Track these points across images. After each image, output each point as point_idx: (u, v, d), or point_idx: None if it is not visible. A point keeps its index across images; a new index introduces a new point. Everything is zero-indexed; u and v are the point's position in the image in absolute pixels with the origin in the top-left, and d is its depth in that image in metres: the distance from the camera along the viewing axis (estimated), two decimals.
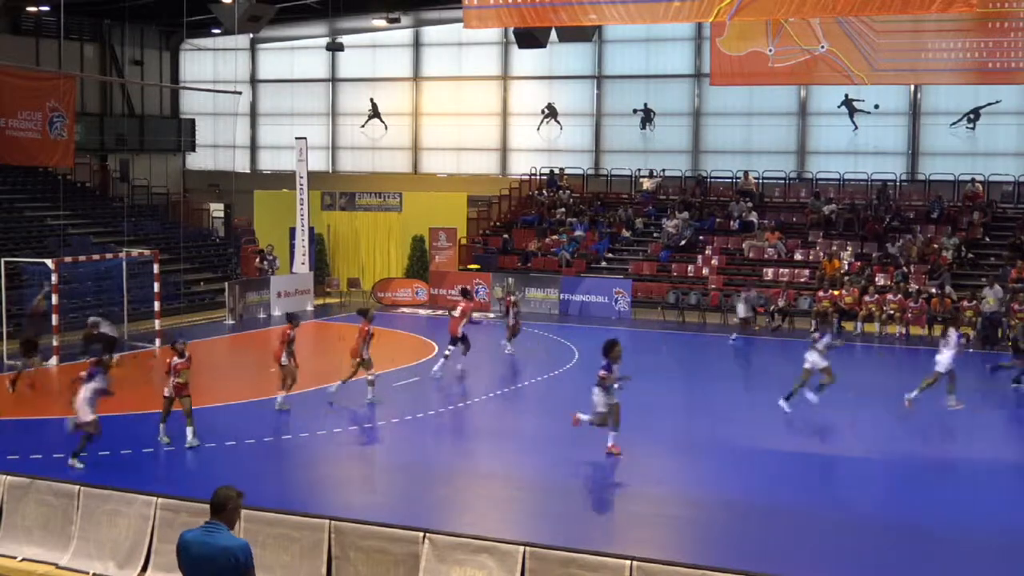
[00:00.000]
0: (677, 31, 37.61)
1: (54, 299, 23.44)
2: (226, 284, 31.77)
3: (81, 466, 14.92)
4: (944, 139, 35.28)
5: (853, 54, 29.96)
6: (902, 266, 30.64)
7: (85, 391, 15.10)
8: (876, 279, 30.45)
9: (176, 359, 16.27)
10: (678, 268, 33.32)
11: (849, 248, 32.06)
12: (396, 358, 23.65)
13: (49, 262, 24.01)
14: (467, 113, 41.11)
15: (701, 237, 34.19)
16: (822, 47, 30.25)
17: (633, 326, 30.02)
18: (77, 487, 11.89)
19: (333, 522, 10.72)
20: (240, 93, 36.70)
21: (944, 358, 19.07)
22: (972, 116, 34.48)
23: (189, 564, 7.16)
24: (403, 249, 37.51)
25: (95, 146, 40.35)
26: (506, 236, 36.23)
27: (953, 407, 19.00)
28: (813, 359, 19.02)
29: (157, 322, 26.59)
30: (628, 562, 9.66)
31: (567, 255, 34.30)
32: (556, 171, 38.76)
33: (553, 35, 30.73)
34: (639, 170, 38.10)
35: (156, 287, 26.74)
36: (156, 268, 26.82)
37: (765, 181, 36.33)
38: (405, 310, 33.27)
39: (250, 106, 44.17)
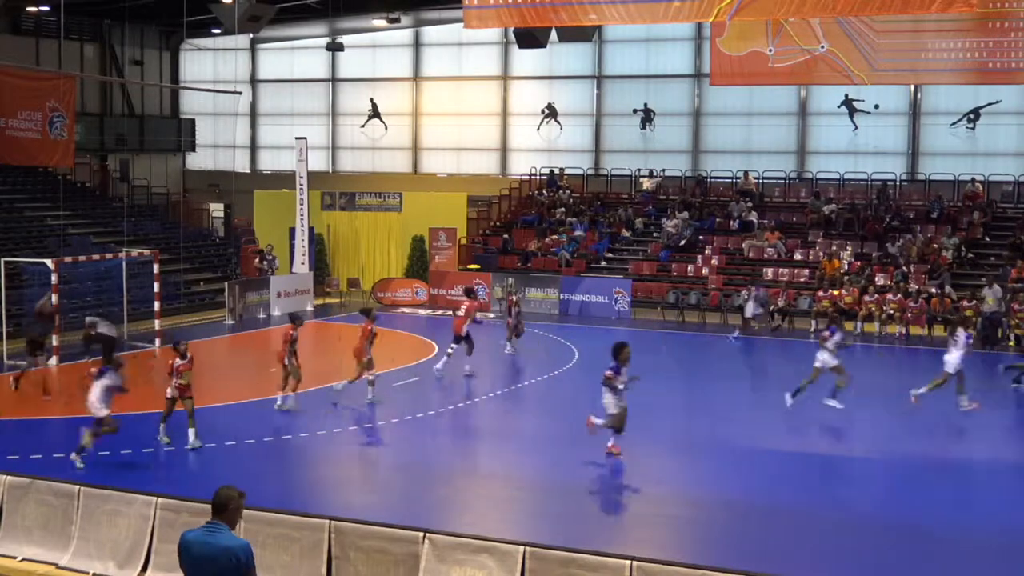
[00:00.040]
0: (677, 31, 37.62)
1: (54, 299, 23.44)
2: (226, 284, 31.78)
3: (81, 466, 14.96)
4: (944, 139, 35.29)
5: (853, 54, 29.96)
6: (902, 266, 30.65)
7: (97, 388, 15.20)
8: (876, 279, 30.46)
9: (178, 360, 16.27)
10: (678, 268, 33.33)
11: (849, 248, 32.06)
12: (396, 358, 23.65)
13: (49, 262, 24.00)
14: (467, 113, 41.11)
15: (701, 237, 34.20)
16: (822, 47, 30.25)
17: (633, 326, 30.02)
18: (77, 487, 11.89)
19: (333, 522, 10.72)
20: (240, 93, 36.70)
21: (953, 358, 19.00)
22: (972, 116, 34.50)
23: (190, 564, 7.17)
24: (403, 249, 37.52)
25: (95, 146, 40.35)
26: (506, 236, 36.23)
27: (966, 408, 18.95)
28: (823, 358, 18.94)
29: (157, 322, 26.60)
30: (628, 562, 9.66)
31: (567, 255, 34.30)
32: (556, 171, 38.77)
33: (553, 35, 30.72)
34: (639, 170, 38.10)
35: (156, 287, 26.74)
36: (156, 268, 26.82)
37: (765, 181, 36.33)
38: (405, 310, 33.27)
39: (250, 106, 44.18)
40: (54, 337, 23.31)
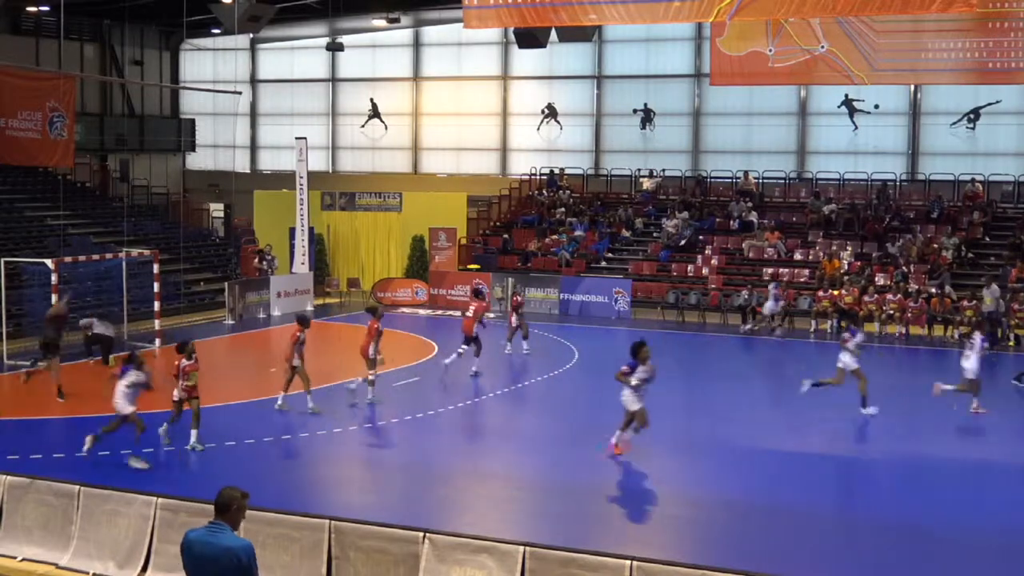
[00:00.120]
0: (677, 31, 37.62)
1: (53, 299, 23.42)
2: (226, 284, 31.77)
3: (145, 465, 15.19)
4: (944, 139, 35.30)
5: (853, 54, 29.96)
6: (902, 266, 30.65)
7: (120, 386, 15.34)
8: (876, 279, 30.46)
9: (184, 361, 16.24)
10: (678, 268, 33.33)
11: (849, 248, 32.07)
12: (396, 358, 23.64)
13: (49, 262, 24.00)
14: (467, 113, 41.12)
15: (701, 237, 34.20)
16: (822, 47, 30.26)
17: (633, 326, 29.99)
18: (77, 487, 11.88)
19: (333, 522, 10.72)
20: (240, 93, 36.68)
21: (971, 364, 18.96)
22: (972, 116, 34.51)
23: (192, 563, 7.18)
24: (403, 249, 37.51)
25: (95, 146, 40.35)
26: (506, 236, 36.24)
27: (975, 411, 19.01)
28: (845, 360, 18.82)
29: (157, 322, 26.59)
30: (628, 562, 9.66)
31: (567, 255, 34.30)
32: (556, 171, 38.77)
33: (553, 35, 30.74)
34: (639, 170, 38.11)
35: (156, 287, 26.73)
36: (156, 268, 26.81)
37: (765, 181, 36.34)
38: (405, 310, 33.26)
39: (250, 106, 44.19)
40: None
